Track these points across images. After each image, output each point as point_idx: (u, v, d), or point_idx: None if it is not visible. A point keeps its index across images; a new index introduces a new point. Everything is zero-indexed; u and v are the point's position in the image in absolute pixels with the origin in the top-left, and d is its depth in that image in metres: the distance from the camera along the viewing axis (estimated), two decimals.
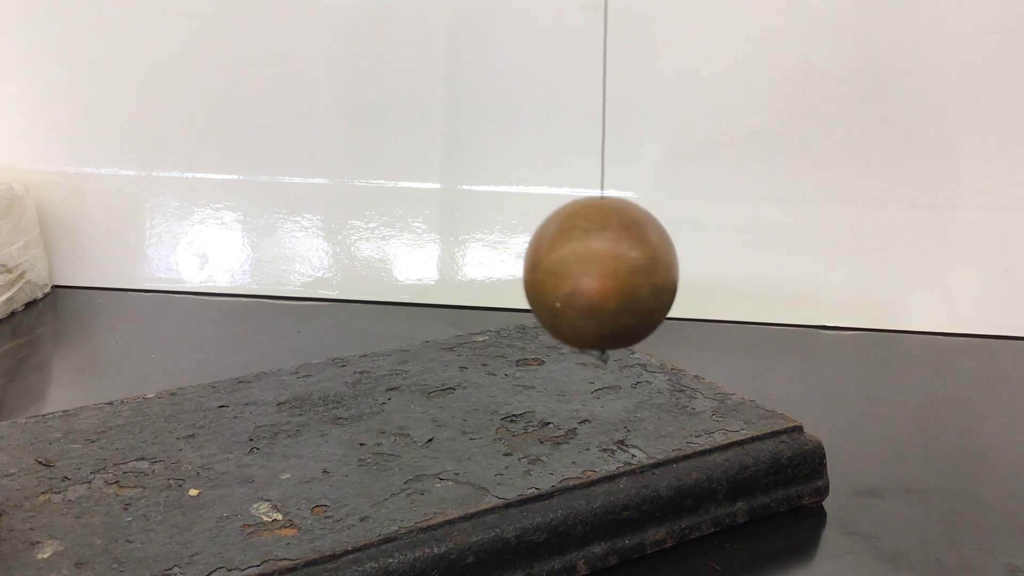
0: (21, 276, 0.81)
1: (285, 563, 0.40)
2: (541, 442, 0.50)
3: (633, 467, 0.48)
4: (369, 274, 0.85)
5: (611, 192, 0.81)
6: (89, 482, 0.46)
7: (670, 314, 0.35)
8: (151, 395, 0.55)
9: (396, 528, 0.42)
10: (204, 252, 0.86)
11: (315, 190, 0.85)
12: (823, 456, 0.52)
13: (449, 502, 0.45)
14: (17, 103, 0.86)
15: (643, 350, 0.61)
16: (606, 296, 0.33)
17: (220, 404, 0.54)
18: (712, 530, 0.49)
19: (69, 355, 0.76)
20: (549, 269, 0.34)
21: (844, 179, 0.80)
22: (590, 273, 0.33)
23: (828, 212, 0.81)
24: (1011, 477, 0.56)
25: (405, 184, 0.85)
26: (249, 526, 0.43)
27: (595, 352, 0.35)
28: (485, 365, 0.59)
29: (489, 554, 0.43)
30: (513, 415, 0.53)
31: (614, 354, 0.61)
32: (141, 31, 0.84)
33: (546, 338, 0.63)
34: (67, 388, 0.70)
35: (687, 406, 0.54)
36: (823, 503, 0.52)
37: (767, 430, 0.52)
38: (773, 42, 0.79)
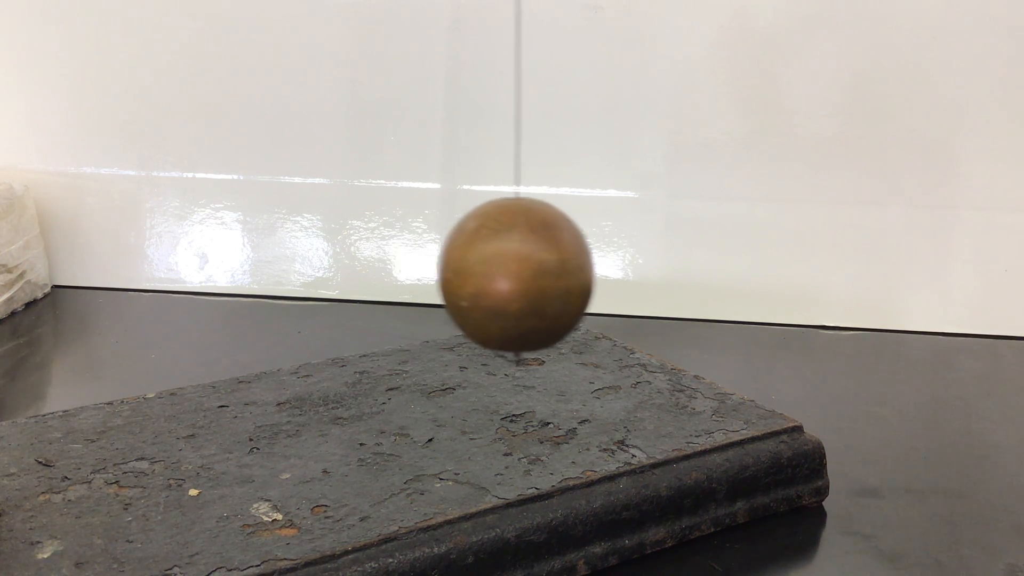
0: (21, 276, 0.81)
1: (285, 563, 0.40)
2: (541, 442, 0.50)
3: (633, 467, 0.48)
4: (369, 274, 0.85)
5: (612, 192, 0.81)
6: (89, 482, 0.46)
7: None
8: (151, 395, 0.55)
9: (396, 528, 0.42)
10: (204, 252, 0.86)
11: (315, 190, 0.85)
12: (823, 456, 0.52)
13: (449, 502, 0.45)
14: (17, 103, 0.86)
15: (643, 350, 0.61)
16: (509, 297, 0.33)
17: (220, 404, 0.54)
18: (712, 530, 0.49)
19: (69, 355, 0.76)
20: (456, 268, 0.34)
21: (844, 179, 0.80)
22: (492, 274, 0.33)
23: (828, 212, 0.81)
24: (1011, 477, 0.56)
25: (405, 184, 0.85)
26: (249, 526, 0.43)
27: (507, 354, 0.35)
28: (485, 365, 0.59)
29: (489, 554, 0.43)
30: (513, 415, 0.53)
31: (611, 354, 0.61)
32: (141, 31, 0.84)
33: None
34: (67, 388, 0.70)
35: (687, 406, 0.54)
36: (823, 503, 0.52)
37: (767, 430, 0.52)
38: (773, 42, 0.79)
